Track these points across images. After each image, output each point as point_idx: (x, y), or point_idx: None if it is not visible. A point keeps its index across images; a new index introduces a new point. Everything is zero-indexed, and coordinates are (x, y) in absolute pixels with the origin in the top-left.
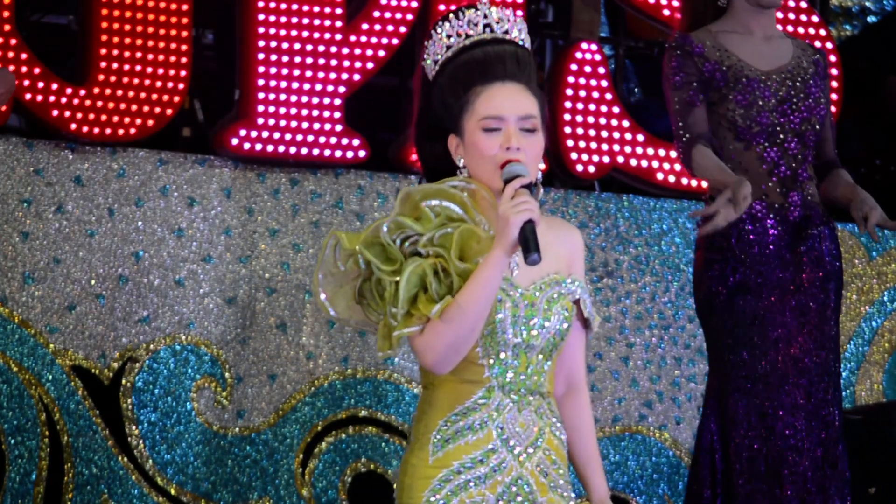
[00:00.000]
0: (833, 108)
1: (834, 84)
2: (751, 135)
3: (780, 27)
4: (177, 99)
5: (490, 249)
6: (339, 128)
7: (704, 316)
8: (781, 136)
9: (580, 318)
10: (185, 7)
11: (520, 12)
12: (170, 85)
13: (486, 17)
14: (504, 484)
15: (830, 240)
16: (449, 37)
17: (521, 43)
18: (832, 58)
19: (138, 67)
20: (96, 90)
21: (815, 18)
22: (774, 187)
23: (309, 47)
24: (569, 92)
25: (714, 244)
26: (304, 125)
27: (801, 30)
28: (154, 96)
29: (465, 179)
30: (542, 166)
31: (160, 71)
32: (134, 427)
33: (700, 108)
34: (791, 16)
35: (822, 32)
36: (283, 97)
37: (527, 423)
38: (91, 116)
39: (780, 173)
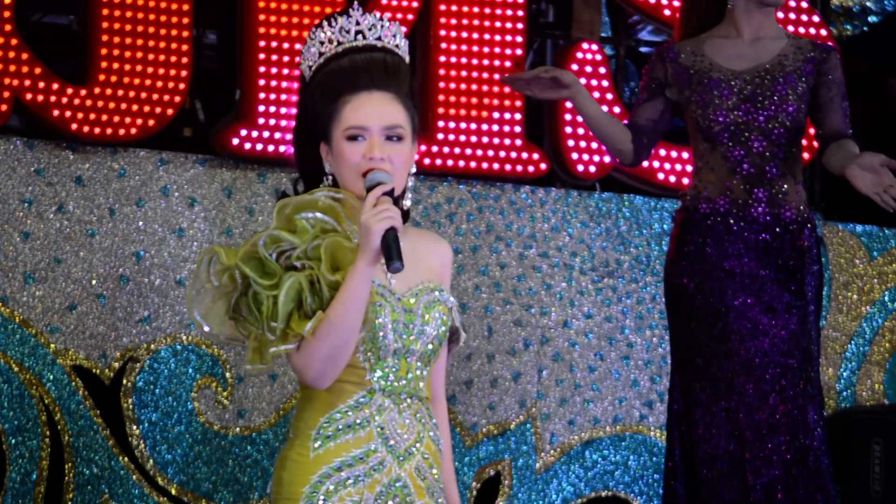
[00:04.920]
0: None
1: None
2: (713, 134)
3: (784, 27)
4: (177, 99)
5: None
6: None
7: (670, 310)
8: (746, 135)
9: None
10: (185, 7)
11: (388, 15)
12: (170, 85)
13: (358, 23)
14: (383, 484)
15: (806, 237)
16: (322, 43)
17: (394, 49)
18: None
19: (139, 67)
20: (97, 90)
21: (815, 18)
22: (738, 184)
23: None
24: None
25: (683, 239)
26: None
27: (801, 30)
28: (155, 96)
29: (334, 189)
30: (413, 171)
31: (161, 71)
32: (135, 427)
33: (644, 105)
34: (792, 16)
35: (823, 32)
36: (283, 97)
37: (406, 425)
38: (92, 116)
39: (744, 171)
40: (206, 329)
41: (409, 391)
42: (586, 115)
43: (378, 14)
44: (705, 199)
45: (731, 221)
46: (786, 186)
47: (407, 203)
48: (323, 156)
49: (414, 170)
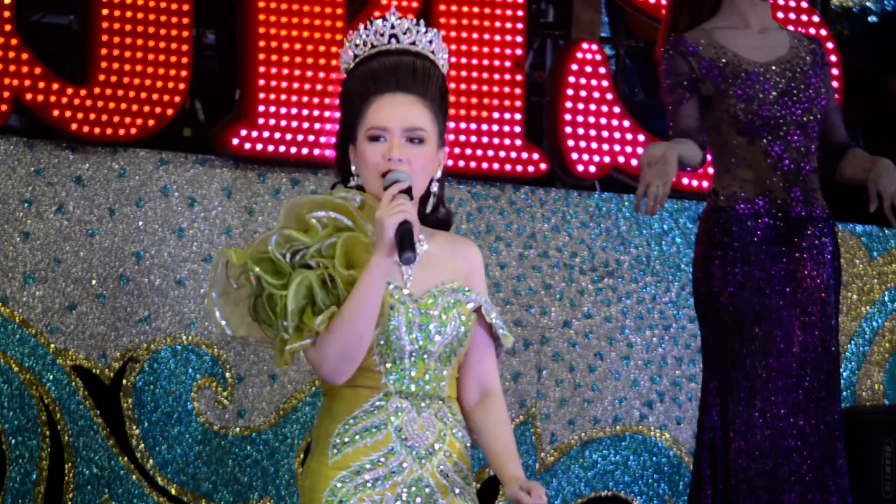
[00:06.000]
0: (836, 95)
1: (835, 72)
2: (753, 128)
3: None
4: (177, 99)
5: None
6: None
7: (704, 313)
8: (784, 129)
9: (487, 330)
10: (185, 7)
11: (423, 23)
12: (170, 85)
13: (393, 27)
14: (404, 485)
15: (831, 236)
16: (357, 46)
17: (428, 55)
18: (829, 45)
19: (139, 67)
20: (97, 90)
21: (815, 18)
22: (778, 182)
23: (309, 47)
24: (569, 92)
25: (715, 240)
26: (305, 125)
27: (801, 30)
28: (155, 96)
29: (352, 190)
30: (438, 175)
31: (161, 71)
32: (134, 427)
33: (687, 104)
34: (791, 16)
35: (823, 32)
36: (283, 97)
37: (426, 425)
38: (92, 116)
39: (784, 167)
40: (229, 332)
41: (429, 392)
42: (682, 159)
43: (413, 19)
44: (743, 200)
45: (770, 221)
46: (815, 183)
47: (429, 206)
48: (351, 157)
49: (439, 174)
